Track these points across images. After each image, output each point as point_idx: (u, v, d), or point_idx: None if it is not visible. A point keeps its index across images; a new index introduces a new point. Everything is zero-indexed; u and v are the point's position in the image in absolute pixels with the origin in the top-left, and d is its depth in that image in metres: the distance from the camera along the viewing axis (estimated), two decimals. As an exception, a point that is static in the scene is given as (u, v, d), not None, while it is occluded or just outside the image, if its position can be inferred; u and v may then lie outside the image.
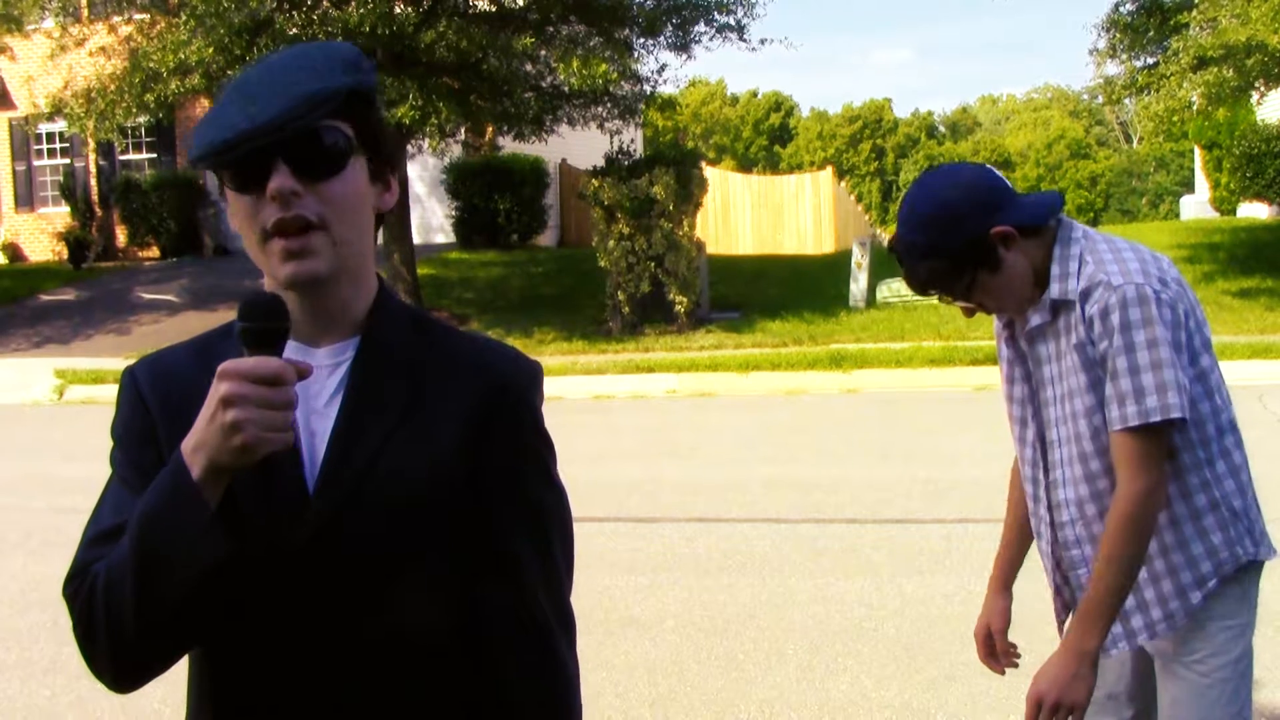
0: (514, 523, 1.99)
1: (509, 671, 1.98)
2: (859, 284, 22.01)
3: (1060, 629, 3.55)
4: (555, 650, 2.02)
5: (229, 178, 1.87)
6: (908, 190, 3.35)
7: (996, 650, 3.66)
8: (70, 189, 31.22)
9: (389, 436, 1.90)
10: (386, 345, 1.96)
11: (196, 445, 1.73)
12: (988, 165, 3.37)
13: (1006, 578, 3.70)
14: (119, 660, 1.83)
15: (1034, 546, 3.65)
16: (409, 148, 22.02)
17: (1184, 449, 3.22)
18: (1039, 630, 4.02)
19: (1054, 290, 3.23)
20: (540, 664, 2.01)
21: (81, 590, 1.84)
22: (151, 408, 1.96)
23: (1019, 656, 3.69)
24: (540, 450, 2.04)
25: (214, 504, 1.73)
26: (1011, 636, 3.65)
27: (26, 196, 32.48)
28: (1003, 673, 3.72)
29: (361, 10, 18.25)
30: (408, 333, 2.00)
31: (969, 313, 3.42)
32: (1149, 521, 3.12)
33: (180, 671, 1.98)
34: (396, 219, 21.06)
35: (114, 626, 1.79)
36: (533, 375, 2.05)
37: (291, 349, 1.90)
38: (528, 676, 1.99)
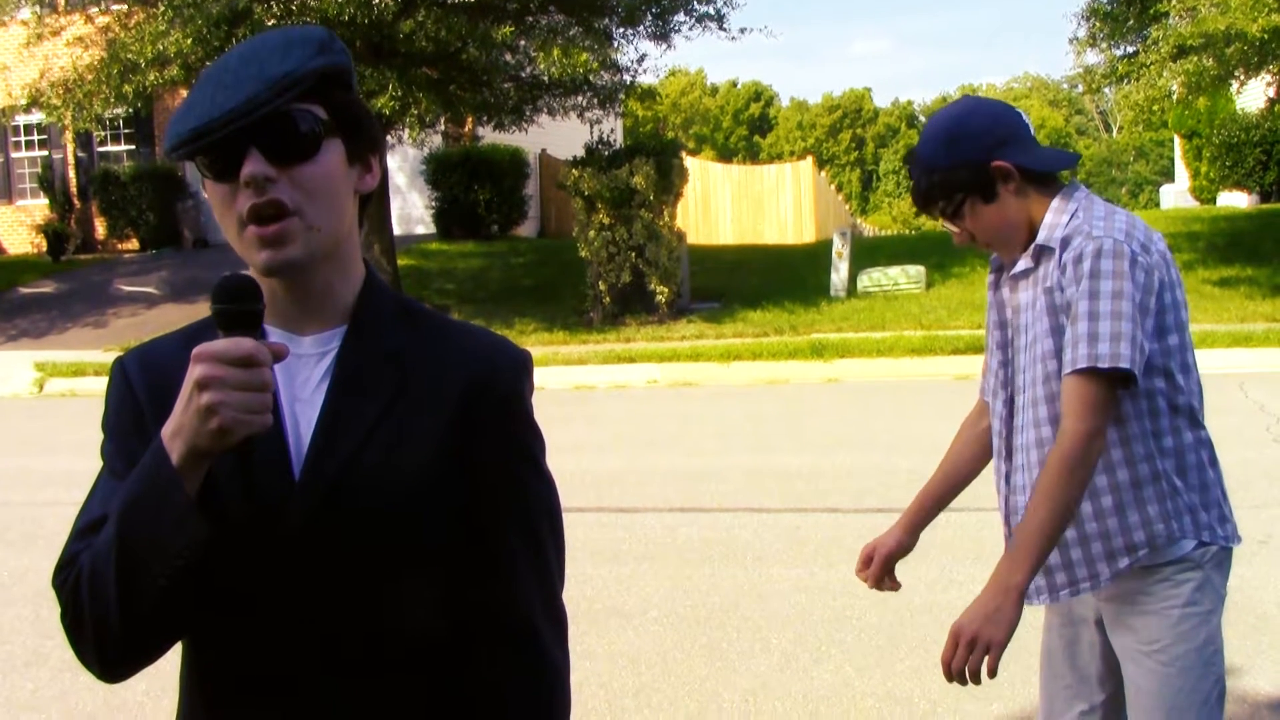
0: (503, 517, 1.97)
1: (496, 669, 1.97)
2: (840, 274, 22.02)
3: None
4: (543, 648, 2.00)
5: (204, 167, 1.85)
6: (934, 114, 3.53)
7: (872, 569, 3.72)
8: (49, 181, 31.09)
9: (376, 426, 1.88)
10: (374, 334, 1.94)
11: (175, 430, 1.71)
12: (1020, 111, 3.49)
13: (915, 520, 3.76)
14: (105, 650, 1.81)
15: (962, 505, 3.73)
16: (389, 138, 21.97)
17: (1133, 418, 3.26)
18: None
19: (1040, 236, 3.32)
20: (527, 662, 1.99)
21: (69, 580, 1.82)
22: (141, 399, 1.94)
23: (896, 587, 3.74)
24: (530, 442, 2.02)
25: (194, 489, 1.72)
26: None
27: (4, 188, 32.35)
28: (867, 583, 3.73)
29: (340, 0, 18.19)
30: (396, 321, 1.97)
31: (960, 239, 3.49)
32: (1086, 465, 3.13)
33: (164, 664, 1.97)
34: (376, 210, 20.99)
35: (99, 615, 1.78)
36: (522, 365, 2.03)
37: (278, 337, 1.89)
38: (515, 675, 1.98)
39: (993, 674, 3.05)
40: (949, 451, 3.80)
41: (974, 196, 3.35)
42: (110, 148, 31.55)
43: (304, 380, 1.91)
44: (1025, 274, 3.38)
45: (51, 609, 7.73)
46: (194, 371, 1.68)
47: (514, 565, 1.98)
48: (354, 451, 1.87)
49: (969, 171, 3.33)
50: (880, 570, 3.71)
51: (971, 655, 3.04)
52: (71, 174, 31.78)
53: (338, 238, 1.91)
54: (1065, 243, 3.24)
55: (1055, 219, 3.32)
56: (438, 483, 1.91)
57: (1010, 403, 3.49)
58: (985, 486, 3.73)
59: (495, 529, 1.96)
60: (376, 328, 1.95)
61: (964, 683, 3.07)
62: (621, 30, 22.50)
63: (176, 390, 1.72)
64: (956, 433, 3.81)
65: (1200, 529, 3.31)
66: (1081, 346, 3.13)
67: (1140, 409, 3.26)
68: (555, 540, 2.05)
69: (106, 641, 1.80)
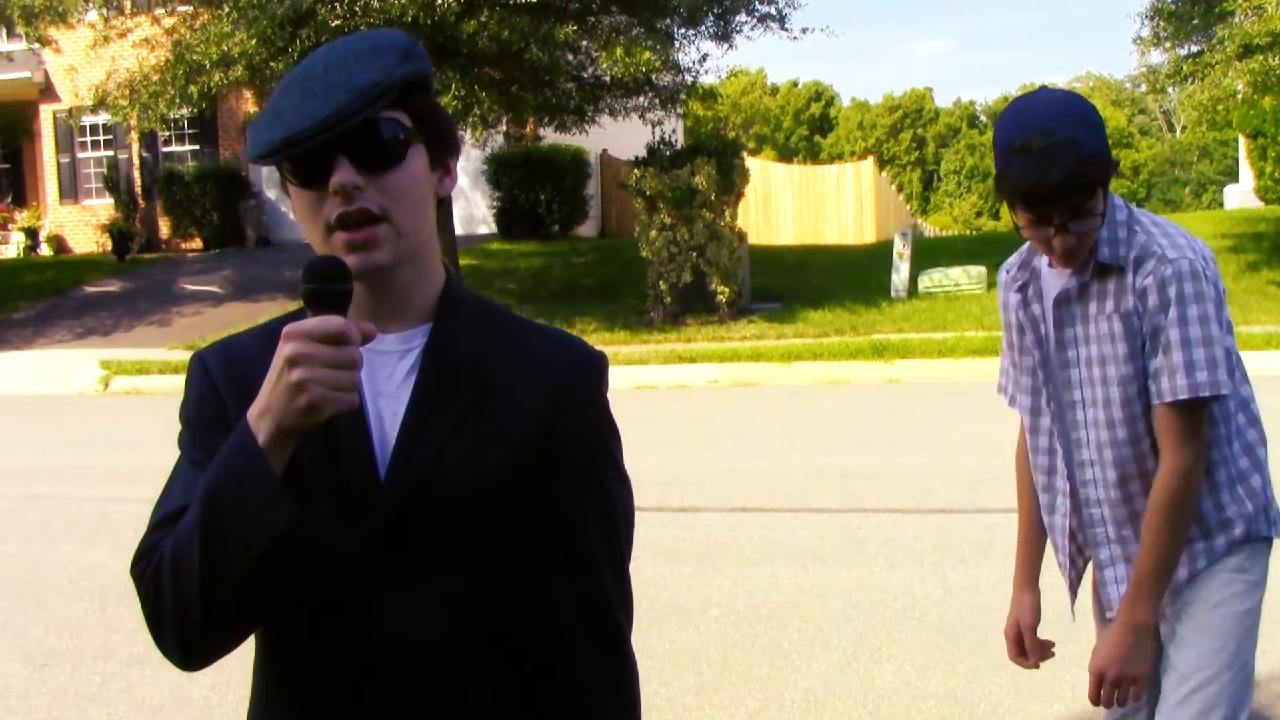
0: (586, 517, 1.98)
1: (583, 668, 1.98)
2: (900, 274, 21.96)
3: (1073, 604, 3.63)
4: (625, 643, 2.03)
5: (290, 173, 1.87)
6: (1031, 96, 3.12)
7: (1026, 648, 3.61)
8: (114, 181, 31.44)
9: (460, 424, 1.89)
10: (457, 334, 1.95)
11: (262, 410, 1.72)
12: None
13: (1030, 574, 3.65)
14: (185, 637, 1.81)
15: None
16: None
17: (1211, 423, 3.26)
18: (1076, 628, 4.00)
19: (1103, 253, 3.17)
20: (614, 658, 2.02)
21: (149, 568, 1.83)
22: (223, 392, 1.95)
23: (1053, 652, 3.64)
24: (610, 442, 2.04)
25: (279, 470, 1.72)
26: (1048, 634, 3.65)
27: (71, 188, 32.74)
28: (1036, 667, 3.66)
29: (403, 0, 18.28)
30: (477, 322, 1.99)
31: (1063, 246, 3.13)
32: (1191, 496, 3.18)
33: (230, 660, 1.98)
34: (439, 209, 21.07)
35: (181, 601, 1.78)
36: (600, 366, 2.04)
37: None
38: (603, 671, 2.00)
39: (1139, 699, 3.31)
40: (1022, 497, 3.66)
41: (1102, 190, 3.08)
42: (174, 148, 31.87)
43: (387, 376, 1.92)
44: (1075, 290, 3.25)
45: (118, 603, 7.86)
46: (284, 349, 1.69)
47: (596, 564, 1.99)
48: (440, 447, 1.88)
49: (1109, 164, 3.06)
50: (1035, 645, 3.60)
51: (1119, 692, 3.23)
52: (136, 174, 32.12)
53: (421, 241, 1.93)
54: (1138, 263, 3.13)
55: (1111, 233, 3.16)
56: (520, 480, 1.92)
57: (1063, 418, 3.40)
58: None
59: (579, 531, 1.98)
60: (460, 326, 1.96)
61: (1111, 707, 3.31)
62: (683, 31, 22.53)
63: (257, 385, 1.73)
64: (1019, 471, 3.67)
65: (1270, 525, 3.36)
66: (1180, 378, 3.10)
67: (1213, 414, 3.25)
68: (629, 538, 2.07)
69: (187, 628, 1.80)
